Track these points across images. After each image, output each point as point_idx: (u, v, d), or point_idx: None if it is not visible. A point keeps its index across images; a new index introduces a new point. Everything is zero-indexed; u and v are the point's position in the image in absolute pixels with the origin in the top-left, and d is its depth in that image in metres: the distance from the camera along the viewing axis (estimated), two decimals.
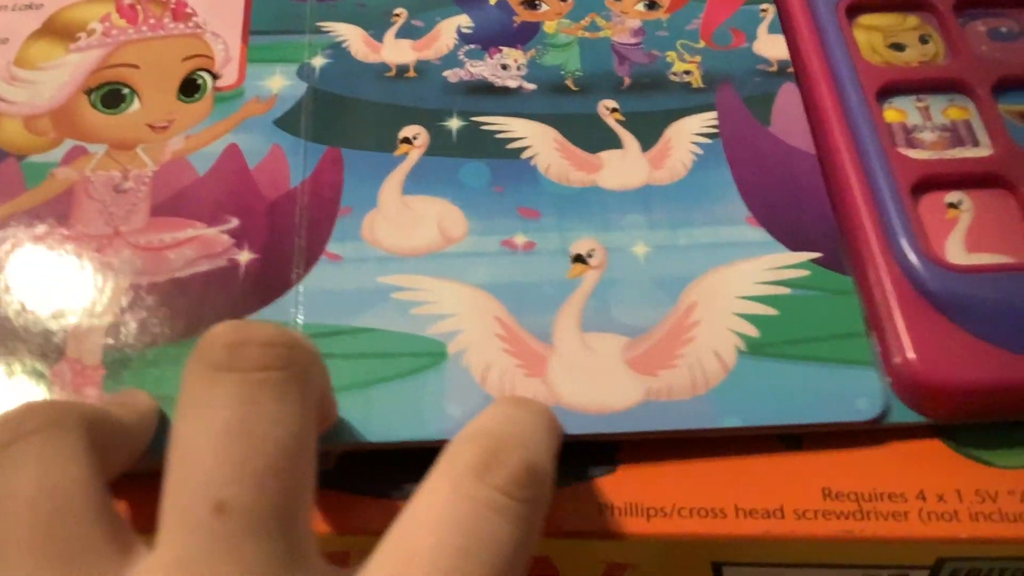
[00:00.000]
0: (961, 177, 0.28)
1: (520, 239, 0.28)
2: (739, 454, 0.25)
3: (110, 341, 0.26)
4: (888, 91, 0.30)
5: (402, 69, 0.32)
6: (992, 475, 0.25)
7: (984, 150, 0.28)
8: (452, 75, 0.32)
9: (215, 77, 0.32)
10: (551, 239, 0.28)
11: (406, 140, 0.30)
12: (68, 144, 0.30)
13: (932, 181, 0.28)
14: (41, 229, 0.29)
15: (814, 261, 0.27)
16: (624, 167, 0.30)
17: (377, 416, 0.25)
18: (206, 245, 0.28)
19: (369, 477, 0.25)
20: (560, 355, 0.26)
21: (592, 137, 0.30)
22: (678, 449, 0.25)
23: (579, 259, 0.28)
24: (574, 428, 0.25)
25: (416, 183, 0.29)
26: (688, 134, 0.30)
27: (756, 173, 0.29)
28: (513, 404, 0.23)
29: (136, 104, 0.31)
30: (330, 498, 0.25)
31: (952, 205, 0.27)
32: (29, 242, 0.28)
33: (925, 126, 0.29)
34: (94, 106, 0.31)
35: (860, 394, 0.25)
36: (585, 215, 0.28)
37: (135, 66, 0.32)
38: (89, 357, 0.26)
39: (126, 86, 0.31)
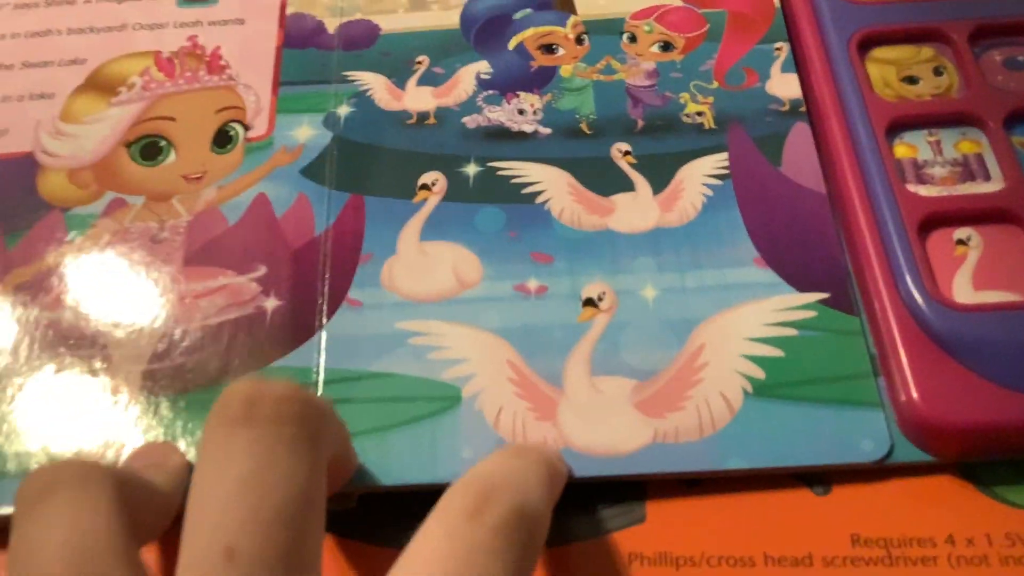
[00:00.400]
0: (970, 213, 0.28)
1: (533, 284, 0.29)
2: (767, 502, 0.26)
3: (144, 387, 0.28)
4: (898, 126, 0.30)
5: (423, 116, 0.33)
6: (1022, 517, 0.25)
7: (996, 184, 0.28)
8: (471, 121, 0.32)
9: (246, 128, 0.33)
10: (563, 283, 0.29)
11: (425, 186, 0.31)
12: (109, 196, 0.32)
13: (940, 218, 0.28)
14: (82, 280, 0.30)
15: (821, 302, 0.28)
16: (635, 210, 0.30)
17: (394, 459, 0.26)
18: (235, 293, 0.29)
19: (394, 522, 0.26)
20: (570, 399, 0.27)
21: (605, 180, 0.31)
22: (706, 499, 0.26)
23: (590, 303, 0.28)
24: (583, 471, 0.25)
25: (434, 229, 0.30)
26: (699, 176, 0.31)
27: (765, 214, 0.29)
28: (512, 454, 0.24)
29: (172, 156, 0.32)
30: (360, 551, 0.26)
31: (961, 241, 0.28)
32: (72, 292, 0.30)
33: (936, 161, 0.29)
34: (133, 159, 0.32)
35: (866, 435, 0.25)
36: (596, 259, 0.29)
37: (172, 119, 0.33)
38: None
39: (163, 138, 0.33)
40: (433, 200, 0.31)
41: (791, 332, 0.27)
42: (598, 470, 0.25)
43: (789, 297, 0.28)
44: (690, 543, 0.25)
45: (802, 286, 0.28)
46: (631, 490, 0.26)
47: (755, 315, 0.28)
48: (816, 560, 0.24)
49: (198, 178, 0.32)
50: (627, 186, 0.31)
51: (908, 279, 0.27)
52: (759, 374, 0.27)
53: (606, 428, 0.26)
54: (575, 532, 0.25)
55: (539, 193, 0.31)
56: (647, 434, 0.26)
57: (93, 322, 0.29)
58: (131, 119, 0.33)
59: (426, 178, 0.31)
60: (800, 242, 0.29)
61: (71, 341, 0.29)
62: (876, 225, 0.28)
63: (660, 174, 0.31)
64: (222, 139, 0.33)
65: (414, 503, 0.25)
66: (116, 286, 0.30)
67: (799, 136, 0.31)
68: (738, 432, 0.26)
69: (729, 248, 0.29)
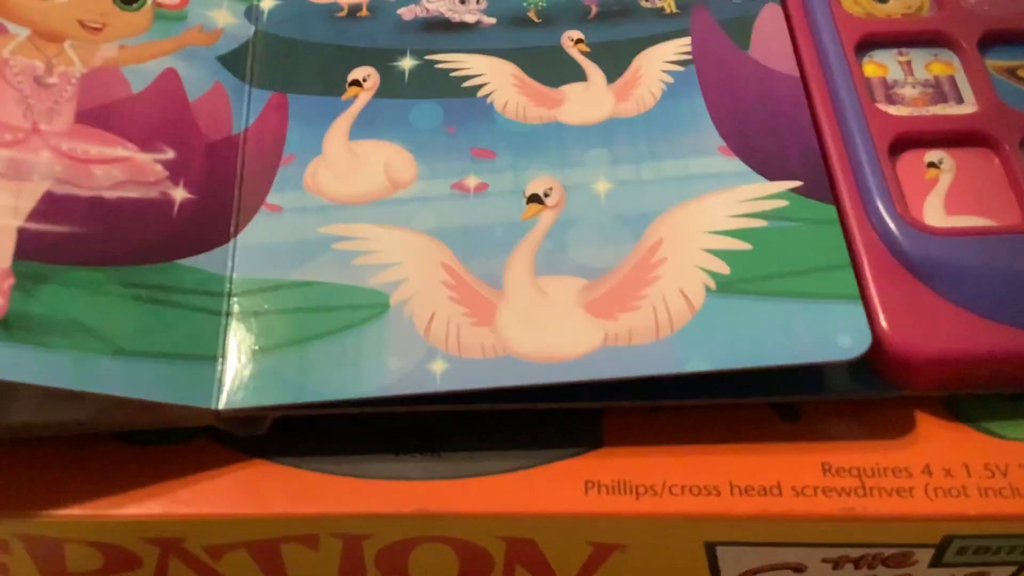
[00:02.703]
0: (942, 135, 0.27)
1: (472, 181, 0.27)
2: (733, 428, 0.25)
3: (22, 248, 0.25)
4: (868, 44, 0.29)
5: (354, 8, 0.31)
6: (1002, 448, 0.24)
7: (968, 107, 0.28)
8: (407, 12, 0.31)
9: None
10: (505, 179, 0.27)
11: (355, 83, 0.29)
12: None
13: (911, 139, 0.27)
14: None
15: (794, 190, 0.26)
16: (587, 100, 0.29)
17: (313, 374, 0.24)
18: (137, 170, 0.27)
19: (309, 443, 0.25)
20: (510, 301, 0.25)
21: (554, 71, 0.29)
22: (668, 424, 0.25)
23: (535, 199, 0.27)
24: (525, 379, 0.24)
25: (364, 127, 0.28)
26: (659, 62, 0.29)
27: (731, 99, 0.28)
28: None
29: None
30: (288, 476, 0.24)
31: (932, 164, 0.27)
32: None
33: (906, 81, 0.28)
34: None
35: (843, 330, 0.24)
36: (543, 153, 0.28)
37: None
38: None
39: None
40: (364, 96, 0.29)
41: (760, 223, 0.26)
42: (542, 377, 0.24)
43: (758, 186, 0.26)
44: (650, 471, 0.24)
45: (772, 175, 0.26)
46: (586, 413, 0.25)
47: (719, 206, 0.26)
48: (785, 489, 0.24)
49: (97, 28, 0.29)
50: (578, 76, 0.29)
51: (878, 201, 0.26)
52: (723, 269, 0.25)
53: (551, 332, 0.24)
54: (525, 458, 0.25)
55: (481, 86, 0.29)
56: (597, 337, 0.24)
57: None
58: None
59: (357, 73, 0.29)
60: (770, 128, 0.27)
61: None
62: (845, 145, 0.27)
63: (615, 62, 0.29)
64: None
65: (328, 422, 0.25)
66: None
67: (770, 16, 0.30)
68: (699, 332, 0.24)
69: (691, 137, 0.27)
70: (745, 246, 0.25)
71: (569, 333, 0.24)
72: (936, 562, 0.25)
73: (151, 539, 0.24)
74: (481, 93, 0.29)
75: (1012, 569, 0.25)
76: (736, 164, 0.27)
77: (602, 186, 0.27)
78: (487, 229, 0.26)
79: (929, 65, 0.29)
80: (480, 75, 0.29)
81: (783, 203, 0.26)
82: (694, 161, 0.27)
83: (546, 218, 0.26)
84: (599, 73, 0.29)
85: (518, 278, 0.25)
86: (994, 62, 0.28)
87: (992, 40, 0.29)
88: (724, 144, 0.27)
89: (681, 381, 0.24)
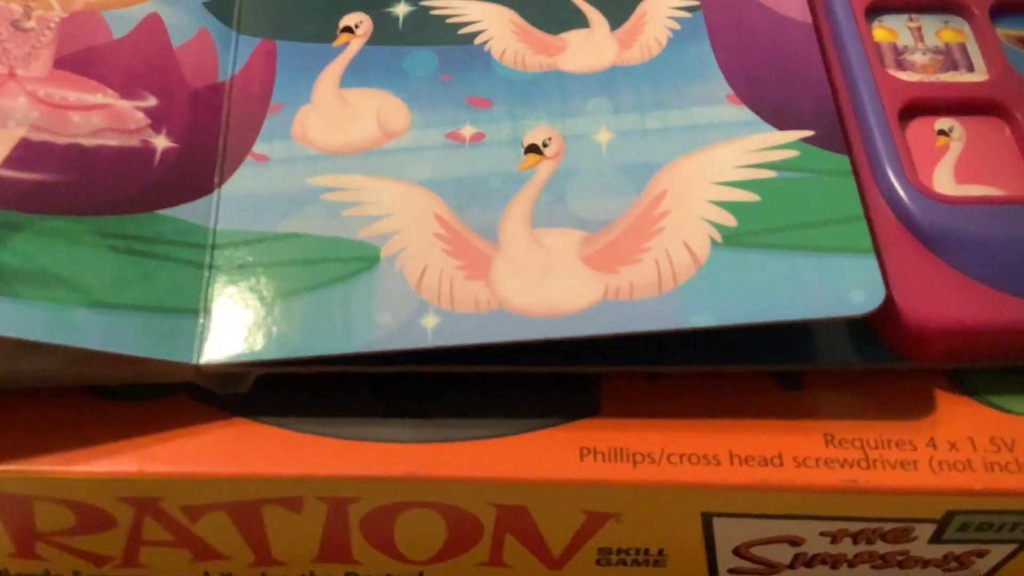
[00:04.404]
0: (953, 103, 0.27)
1: (468, 131, 0.27)
2: (734, 397, 0.24)
3: None
4: (878, 8, 0.28)
5: None
6: (1009, 422, 0.24)
7: (979, 75, 0.27)
8: None
9: None
10: (502, 129, 0.26)
11: (347, 29, 0.29)
12: None
13: (922, 105, 0.27)
14: None
15: (805, 140, 0.25)
16: (589, 48, 0.28)
17: (299, 329, 0.24)
18: (117, 117, 0.26)
19: (304, 408, 0.24)
20: (506, 254, 0.24)
21: (555, 17, 0.29)
22: (667, 391, 0.24)
23: (533, 149, 0.26)
24: (519, 334, 0.23)
25: (356, 75, 0.28)
26: (665, 8, 0.28)
27: (741, 46, 0.27)
28: None
29: None
30: (272, 435, 0.24)
31: (942, 132, 0.26)
32: None
33: (916, 48, 0.28)
34: None
35: (856, 285, 0.23)
36: (542, 102, 0.27)
37: None
38: None
39: None
40: (356, 43, 0.28)
41: (769, 174, 0.25)
42: (538, 332, 0.23)
43: (767, 136, 0.25)
44: (648, 438, 0.24)
45: (783, 124, 0.26)
46: (583, 380, 0.25)
47: (726, 157, 0.25)
48: (786, 460, 0.23)
49: None
50: (580, 22, 0.29)
51: (888, 167, 0.25)
52: (730, 221, 0.24)
53: (548, 286, 0.24)
54: (520, 423, 0.24)
55: (478, 33, 0.28)
56: (597, 291, 0.23)
57: None
58: None
59: (348, 19, 0.29)
60: (781, 76, 0.27)
61: None
62: (854, 109, 0.27)
63: (619, 8, 0.29)
64: None
65: (315, 382, 0.24)
66: None
67: None
68: (704, 286, 0.23)
69: (698, 85, 0.27)
70: (753, 197, 0.24)
71: (567, 287, 0.24)
72: (936, 538, 0.24)
73: (125, 498, 0.24)
74: (478, 40, 0.28)
75: (1012, 547, 0.25)
76: (745, 113, 0.26)
77: (604, 136, 0.26)
78: (483, 180, 0.25)
79: (940, 32, 0.28)
80: (477, 22, 0.29)
81: (794, 153, 0.25)
82: (701, 110, 0.26)
83: (544, 169, 0.26)
84: (602, 19, 0.28)
85: (514, 230, 0.25)
86: (1006, 30, 0.28)
87: (1004, 8, 0.28)
88: (732, 93, 0.26)
89: (682, 343, 0.24)
